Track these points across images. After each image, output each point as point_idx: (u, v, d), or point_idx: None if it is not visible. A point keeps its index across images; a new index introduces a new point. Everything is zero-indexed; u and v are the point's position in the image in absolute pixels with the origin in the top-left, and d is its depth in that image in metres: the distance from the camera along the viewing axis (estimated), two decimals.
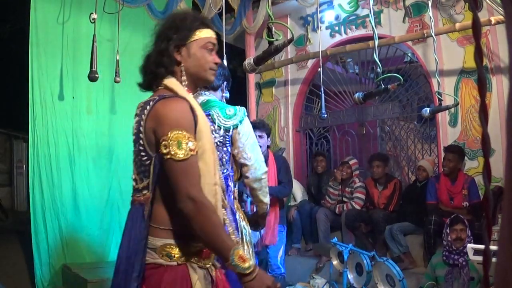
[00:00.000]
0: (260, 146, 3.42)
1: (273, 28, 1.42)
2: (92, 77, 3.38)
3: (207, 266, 1.42)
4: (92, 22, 3.47)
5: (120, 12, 3.82)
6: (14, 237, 5.40)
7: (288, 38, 1.36)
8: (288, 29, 5.13)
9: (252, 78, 5.84)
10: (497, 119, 4.07)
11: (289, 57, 5.79)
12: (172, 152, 1.28)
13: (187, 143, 1.30)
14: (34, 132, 4.09)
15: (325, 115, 4.08)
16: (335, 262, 3.27)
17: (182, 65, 1.45)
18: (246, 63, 1.45)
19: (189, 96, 1.43)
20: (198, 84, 1.55)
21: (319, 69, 4.71)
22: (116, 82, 3.81)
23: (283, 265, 3.74)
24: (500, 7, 3.76)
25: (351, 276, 3.09)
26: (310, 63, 5.80)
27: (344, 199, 4.75)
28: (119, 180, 4.61)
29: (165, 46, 1.44)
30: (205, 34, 1.47)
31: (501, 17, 3.83)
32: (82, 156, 4.41)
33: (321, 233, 4.61)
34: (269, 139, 3.69)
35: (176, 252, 1.33)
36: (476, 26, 0.48)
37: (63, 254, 4.16)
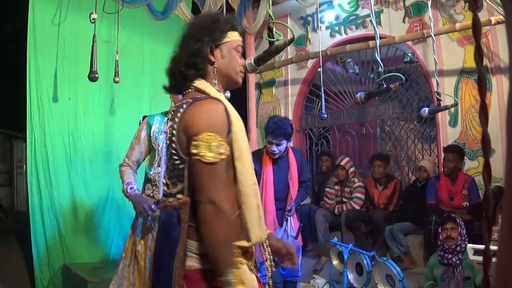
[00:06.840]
0: (277, 151, 3.34)
1: (274, 28, 1.42)
2: (92, 77, 3.37)
3: (251, 267, 1.38)
4: (92, 22, 3.46)
5: (119, 12, 3.82)
6: (14, 237, 5.39)
7: (289, 38, 1.35)
8: (289, 29, 5.13)
9: (252, 78, 5.84)
10: (497, 119, 4.07)
11: (289, 57, 5.79)
12: (202, 154, 1.25)
13: (217, 146, 1.26)
14: (32, 133, 4.08)
15: (325, 115, 4.08)
16: (335, 262, 3.26)
17: (215, 65, 1.45)
18: (247, 63, 1.45)
19: (222, 97, 1.40)
20: (227, 86, 1.52)
21: (319, 69, 4.72)
22: (115, 82, 3.81)
23: (300, 269, 3.56)
24: (500, 7, 3.76)
25: (351, 276, 3.09)
26: (310, 63, 5.80)
27: (344, 199, 4.75)
28: (119, 181, 4.60)
29: (198, 46, 1.43)
30: (236, 37, 1.51)
31: (501, 17, 3.83)
32: (79, 157, 4.40)
33: (320, 234, 4.61)
34: (289, 141, 3.44)
35: None
36: (476, 26, 0.48)
37: (62, 254, 4.16)
